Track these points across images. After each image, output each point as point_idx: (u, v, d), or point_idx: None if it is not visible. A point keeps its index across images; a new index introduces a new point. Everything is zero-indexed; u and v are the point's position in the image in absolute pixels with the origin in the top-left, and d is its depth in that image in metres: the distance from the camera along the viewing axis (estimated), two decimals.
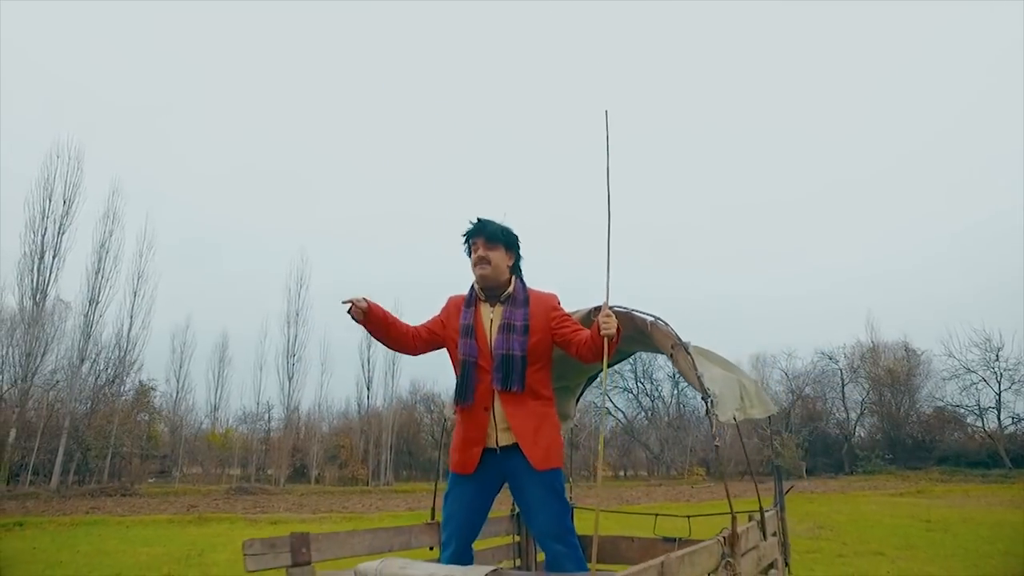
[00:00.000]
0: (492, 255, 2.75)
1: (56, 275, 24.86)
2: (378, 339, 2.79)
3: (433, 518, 3.21)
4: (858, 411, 39.35)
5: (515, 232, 2.85)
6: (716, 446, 2.76)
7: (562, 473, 2.68)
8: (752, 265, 61.28)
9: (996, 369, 32.95)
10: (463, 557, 2.68)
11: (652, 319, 2.88)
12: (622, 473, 41.40)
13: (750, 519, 3.04)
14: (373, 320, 2.69)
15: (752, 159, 64.75)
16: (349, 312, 2.64)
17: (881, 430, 38.38)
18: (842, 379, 39.40)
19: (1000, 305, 47.48)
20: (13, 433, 21.78)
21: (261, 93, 63.80)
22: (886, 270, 57.15)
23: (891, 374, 37.75)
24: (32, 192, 25.31)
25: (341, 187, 64.15)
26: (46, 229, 24.85)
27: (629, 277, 56.99)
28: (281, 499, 23.28)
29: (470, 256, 2.79)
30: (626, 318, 2.96)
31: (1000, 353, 32.88)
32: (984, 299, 51.14)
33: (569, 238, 60.10)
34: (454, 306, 2.86)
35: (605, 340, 2.41)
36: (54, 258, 24.76)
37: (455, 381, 2.77)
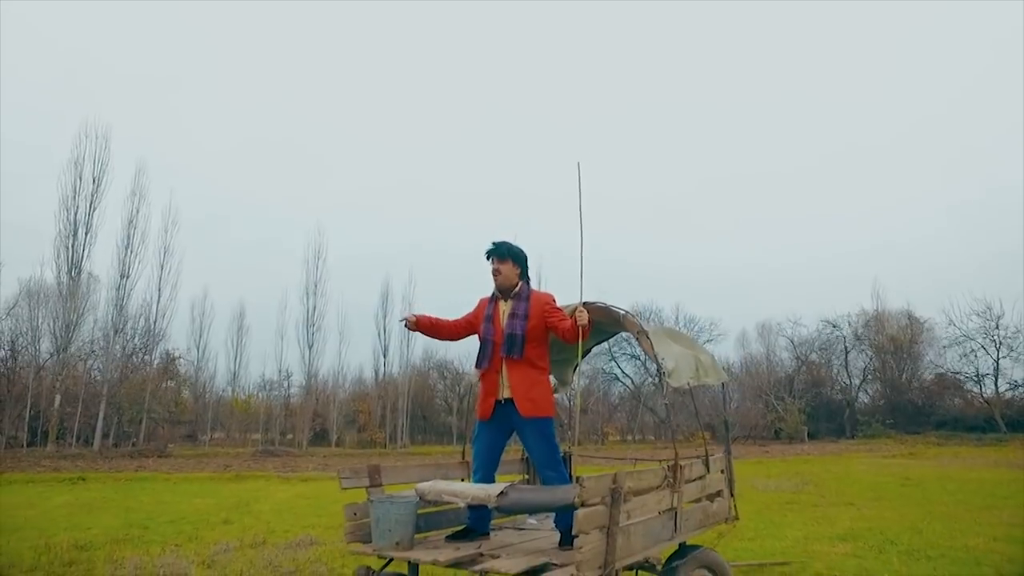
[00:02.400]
0: (502, 267, 3.85)
1: (89, 251, 26.25)
2: (430, 337, 3.97)
3: (464, 458, 4.31)
4: (861, 377, 40.30)
5: (521, 250, 3.93)
6: (665, 404, 3.81)
7: (552, 421, 3.75)
8: (755, 234, 61.68)
9: (995, 337, 33.76)
10: (488, 482, 3.76)
11: (623, 312, 3.92)
12: (630, 437, 42.79)
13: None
14: (423, 328, 3.92)
15: (755, 129, 64.55)
16: (405, 326, 3.85)
17: (883, 396, 39.34)
18: (845, 347, 40.28)
19: (1003, 276, 47.81)
20: (58, 399, 23.29)
21: (270, 66, 64.14)
22: (889, 241, 57.44)
23: (894, 341, 38.55)
24: (64, 172, 26.56)
25: (350, 158, 64.69)
26: (78, 207, 26.14)
27: (634, 246, 57.77)
28: (305, 460, 24.75)
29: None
30: (605, 311, 4.00)
31: (1000, 322, 33.65)
32: (987, 270, 51.41)
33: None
34: (482, 303, 3.97)
35: (580, 327, 3.55)
36: (86, 235, 26.08)
37: (478, 351, 3.89)
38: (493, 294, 3.92)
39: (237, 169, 61.70)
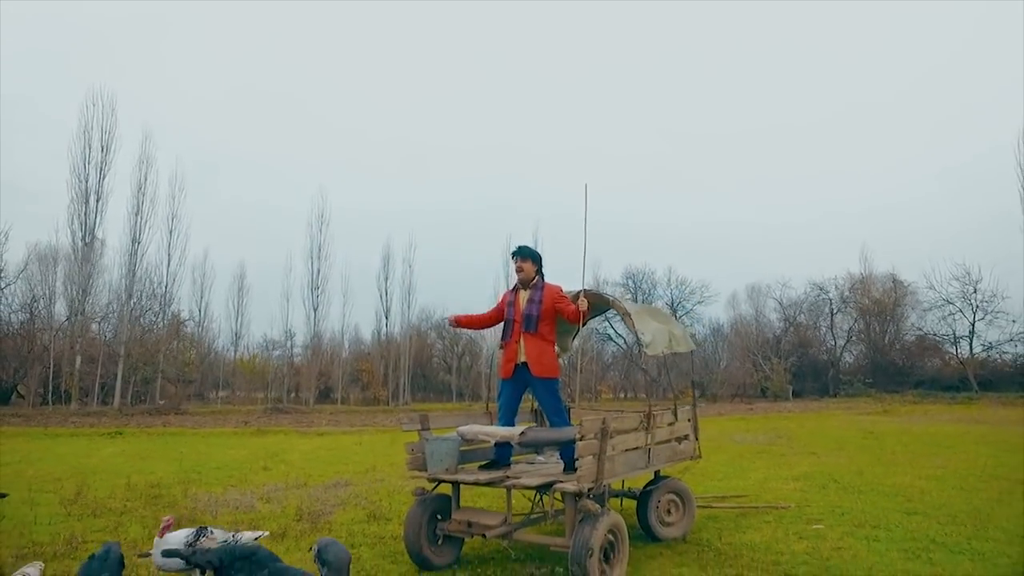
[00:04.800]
0: (524, 266, 4.96)
1: (101, 218, 27.19)
2: (469, 329, 5.08)
3: (487, 410, 5.51)
4: (846, 339, 41.87)
5: (538, 252, 5.05)
6: (644, 369, 4.99)
7: (558, 381, 4.92)
8: (749, 193, 62.57)
9: (972, 301, 35.26)
10: (510, 426, 4.95)
11: (612, 298, 5.09)
12: (623, 395, 44.51)
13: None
14: (462, 324, 5.07)
15: (753, 85, 64.61)
16: (449, 324, 5.00)
17: (867, 356, 40.95)
18: (831, 309, 41.74)
19: (992, 239, 48.94)
20: (79, 360, 24.50)
21: (262, 15, 63.48)
22: (881, 203, 58.46)
23: (878, 304, 39.99)
24: (73, 141, 27.32)
25: (348, 115, 64.62)
26: (88, 175, 26.94)
27: (631, 204, 58.61)
28: (314, 417, 26.10)
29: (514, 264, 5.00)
30: (599, 296, 5.17)
31: (978, 286, 35.10)
32: (977, 233, 52.60)
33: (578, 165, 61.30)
34: (505, 296, 5.07)
35: (581, 313, 4.66)
36: (98, 201, 26.96)
37: (502, 329, 5.02)
38: (515, 285, 5.06)
39: (229, 123, 61.60)
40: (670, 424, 5.19)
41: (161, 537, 3.90)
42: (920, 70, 61.26)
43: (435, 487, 4.64)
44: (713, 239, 58.99)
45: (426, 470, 4.51)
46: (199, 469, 9.88)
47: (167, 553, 3.75)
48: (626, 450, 4.43)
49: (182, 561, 3.68)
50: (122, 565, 3.67)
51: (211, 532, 4.13)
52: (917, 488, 7.23)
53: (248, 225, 57.70)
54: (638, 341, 4.86)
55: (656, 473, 5.35)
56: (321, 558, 3.88)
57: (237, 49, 62.51)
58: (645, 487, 5.32)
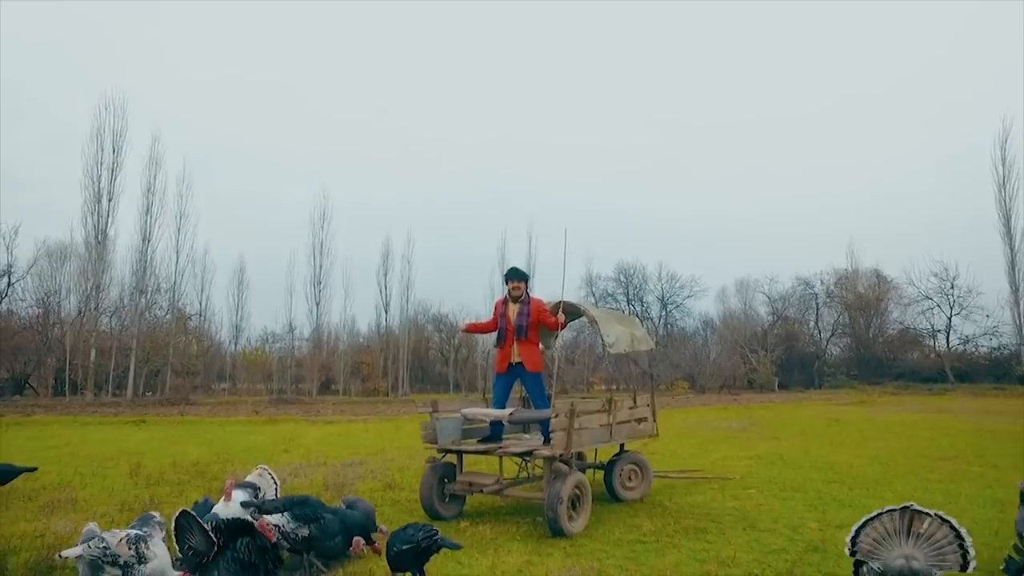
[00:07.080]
0: (520, 285, 6.19)
1: (113, 218, 28.41)
2: (477, 334, 6.29)
3: (484, 397, 6.78)
4: (831, 332, 43.33)
5: (527, 273, 6.28)
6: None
7: (542, 374, 6.19)
8: (743, 185, 63.43)
9: (950, 296, 36.76)
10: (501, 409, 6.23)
11: (584, 307, 6.37)
12: (614, 387, 45.81)
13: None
14: (471, 330, 6.32)
15: (747, 75, 65.31)
16: (463, 330, 6.17)
17: (852, 349, 42.43)
18: (817, 304, 43.17)
19: (981, 234, 49.76)
20: (94, 353, 25.72)
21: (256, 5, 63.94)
22: (881, 193, 59.40)
23: (861, 299, 41.41)
24: (86, 145, 28.50)
25: (344, 108, 65.19)
26: (100, 176, 28.12)
27: (624, 197, 59.61)
28: (319, 407, 27.30)
29: (506, 284, 6.21)
30: (574, 305, 6.44)
31: (955, 282, 36.61)
32: (981, 225, 53.40)
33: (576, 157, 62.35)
34: (500, 304, 6.27)
35: (558, 325, 5.92)
36: (110, 202, 28.15)
37: (496, 335, 6.25)
38: (505, 298, 6.28)
39: (223, 114, 62.07)
40: (630, 408, 6.47)
41: (229, 499, 5.07)
42: (918, 60, 61.82)
43: (443, 456, 5.90)
44: (706, 232, 60.22)
45: (436, 442, 5.77)
46: (228, 451, 11.11)
47: (245, 504, 4.97)
48: (590, 427, 5.70)
49: (255, 509, 4.91)
50: None
51: (259, 487, 5.37)
52: (847, 464, 8.53)
53: (245, 217, 58.45)
54: (602, 343, 6.12)
55: (620, 447, 6.63)
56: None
57: (231, 38, 62.68)
58: (611, 459, 6.60)
